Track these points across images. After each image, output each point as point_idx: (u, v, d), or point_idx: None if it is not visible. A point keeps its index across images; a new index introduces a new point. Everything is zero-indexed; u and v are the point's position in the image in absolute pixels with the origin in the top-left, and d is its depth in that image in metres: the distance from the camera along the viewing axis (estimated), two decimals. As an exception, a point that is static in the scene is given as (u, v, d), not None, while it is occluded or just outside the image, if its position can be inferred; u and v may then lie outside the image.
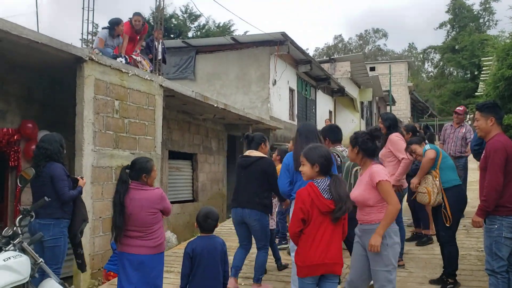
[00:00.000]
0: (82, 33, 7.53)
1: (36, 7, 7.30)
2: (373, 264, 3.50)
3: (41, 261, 3.47)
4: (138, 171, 3.80)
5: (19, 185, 4.28)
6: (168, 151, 9.85)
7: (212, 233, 3.61)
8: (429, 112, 42.83)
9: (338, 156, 4.67)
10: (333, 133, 4.97)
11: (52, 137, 4.42)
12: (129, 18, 8.28)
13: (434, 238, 6.04)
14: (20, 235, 3.40)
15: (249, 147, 5.07)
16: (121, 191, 3.72)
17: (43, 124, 6.73)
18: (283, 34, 13.74)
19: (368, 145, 3.59)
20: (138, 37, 8.43)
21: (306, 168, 3.33)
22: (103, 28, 7.96)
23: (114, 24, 7.77)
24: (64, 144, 4.46)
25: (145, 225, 3.72)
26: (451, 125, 7.66)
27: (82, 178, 4.65)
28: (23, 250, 3.35)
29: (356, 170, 4.44)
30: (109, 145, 6.43)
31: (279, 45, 14.07)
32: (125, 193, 3.72)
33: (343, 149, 4.85)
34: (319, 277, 3.24)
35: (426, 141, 5.42)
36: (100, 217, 6.19)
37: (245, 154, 5.04)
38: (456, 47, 36.45)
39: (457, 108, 7.64)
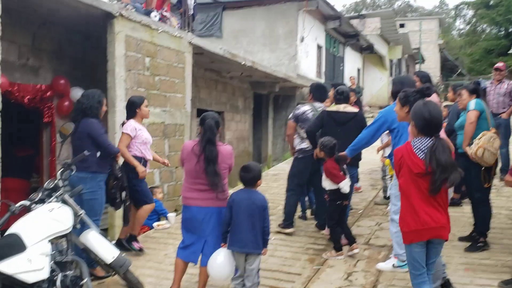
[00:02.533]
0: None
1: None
2: None
3: (82, 213, 3.59)
4: (217, 124, 3.72)
5: (59, 140, 4.35)
6: (196, 109, 9.90)
7: (254, 188, 3.64)
8: (459, 71, 41.57)
9: (312, 111, 5.31)
10: (317, 92, 5.60)
11: (91, 92, 4.40)
12: None
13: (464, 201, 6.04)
14: (62, 188, 3.51)
15: (340, 101, 5.17)
16: (207, 139, 3.60)
17: (75, 80, 6.81)
18: (312, -11, 13.35)
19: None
20: None
21: (410, 127, 3.15)
22: None
23: None
24: (103, 100, 4.44)
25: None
26: (491, 82, 7.42)
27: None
28: (64, 202, 3.47)
29: None
30: (140, 102, 6.47)
31: (307, 0, 13.70)
32: (208, 142, 3.62)
33: (320, 106, 5.39)
34: (425, 242, 3.00)
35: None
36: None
37: (337, 109, 5.09)
38: (491, 2, 34.76)
39: (498, 64, 7.35)
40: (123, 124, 4.82)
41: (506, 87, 7.08)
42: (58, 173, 3.65)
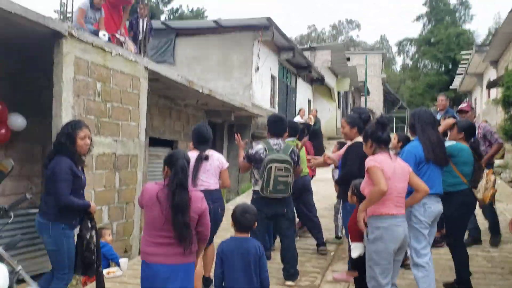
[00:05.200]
0: (60, 4, 6.78)
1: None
2: None
3: (20, 269, 2.92)
4: (188, 166, 3.26)
5: None
6: (149, 138, 9.28)
7: (248, 234, 3.24)
8: (400, 104, 43.25)
9: (265, 150, 4.77)
10: (273, 126, 5.00)
11: (65, 125, 3.87)
12: None
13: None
14: (-5, 239, 2.85)
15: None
16: (179, 183, 3.09)
17: (14, 106, 6.06)
18: (268, 19, 13.26)
19: (378, 135, 3.65)
20: (122, 9, 7.74)
21: None
22: None
23: None
24: (77, 133, 3.81)
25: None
26: None
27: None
28: (-2, 257, 2.80)
29: (270, 167, 4.61)
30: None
31: (263, 30, 13.56)
32: (179, 187, 3.10)
33: (276, 143, 4.86)
34: None
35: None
36: (79, 211, 5.59)
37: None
38: (432, 40, 36.77)
39: (461, 105, 7.22)
40: None
41: (481, 132, 6.19)
42: (-10, 221, 2.98)
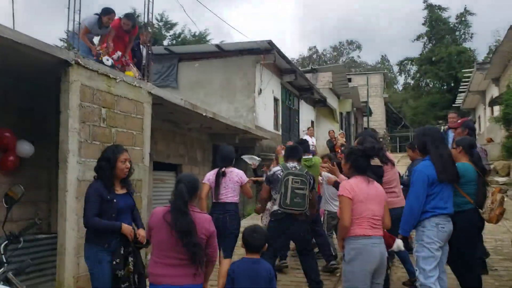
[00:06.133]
0: (67, 32, 6.95)
1: (12, 7, 6.69)
2: None
3: (29, 294, 2.96)
4: (192, 189, 3.28)
5: (5, 206, 3.73)
6: (153, 162, 9.34)
7: (259, 255, 3.27)
8: (403, 123, 43.33)
9: (282, 171, 5.19)
10: (290, 151, 5.58)
11: (104, 150, 4.09)
12: (120, 17, 7.77)
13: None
14: (5, 264, 2.89)
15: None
16: (176, 208, 3.17)
17: (22, 133, 6.17)
18: (270, 43, 13.46)
19: (359, 162, 3.88)
20: (128, 38, 7.93)
21: None
22: (94, 14, 7.44)
23: (104, 13, 7.27)
24: (119, 156, 3.96)
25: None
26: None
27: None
28: (8, 282, 2.84)
29: (288, 179, 5.03)
30: (95, 157, 5.79)
31: (265, 53, 13.75)
32: (177, 212, 3.17)
33: (292, 166, 5.29)
34: None
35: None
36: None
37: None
38: (433, 59, 36.98)
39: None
40: None
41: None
42: (2, 246, 3.03)
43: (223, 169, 5.54)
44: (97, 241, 3.75)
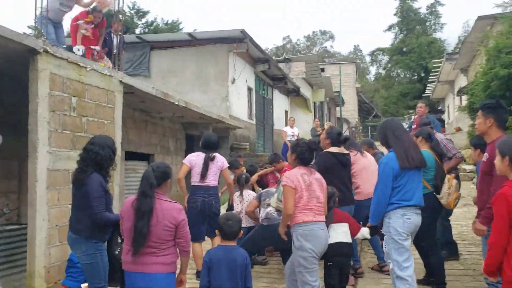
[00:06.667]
0: (35, 20, 6.82)
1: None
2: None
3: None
4: (161, 176, 3.30)
5: None
6: (125, 152, 9.26)
7: (235, 242, 3.32)
8: (374, 113, 44.01)
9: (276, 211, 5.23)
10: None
11: (104, 140, 3.90)
12: (87, 10, 7.66)
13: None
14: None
15: (339, 143, 5.24)
16: (141, 191, 3.21)
17: (-11, 122, 6.05)
18: (242, 31, 13.41)
19: (304, 155, 4.14)
20: (98, 31, 7.84)
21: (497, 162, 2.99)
22: None
23: None
24: (116, 150, 3.96)
25: (160, 240, 3.21)
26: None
27: None
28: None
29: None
30: (66, 146, 5.85)
31: (237, 42, 13.72)
32: (141, 195, 3.20)
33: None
34: None
35: None
36: (56, 225, 5.59)
37: (337, 151, 5.13)
38: (404, 49, 37.60)
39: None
40: None
41: None
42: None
43: (212, 154, 5.74)
44: (100, 236, 3.75)
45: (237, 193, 6.44)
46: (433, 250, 4.70)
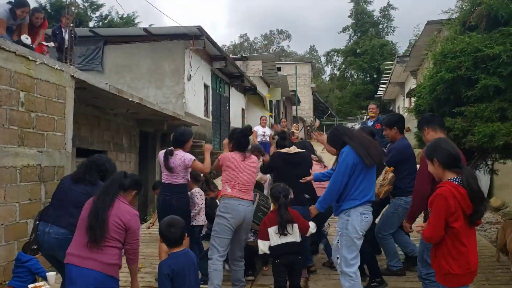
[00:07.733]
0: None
1: None
2: None
3: None
4: (130, 185, 3.51)
5: None
6: (76, 148, 9.02)
7: (182, 246, 3.24)
8: (329, 112, 44.90)
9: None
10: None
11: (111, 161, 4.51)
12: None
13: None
14: None
15: (284, 144, 5.49)
16: (113, 193, 3.29)
17: None
18: (199, 28, 13.35)
19: (240, 141, 4.78)
20: (39, 32, 7.58)
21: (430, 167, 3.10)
22: (7, 3, 6.99)
23: (17, 5, 6.85)
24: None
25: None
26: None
27: None
28: None
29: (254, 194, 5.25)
30: (13, 142, 5.64)
31: (194, 39, 13.64)
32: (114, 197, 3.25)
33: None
34: None
35: None
36: (2, 224, 5.39)
37: (288, 151, 5.37)
38: (358, 51, 38.57)
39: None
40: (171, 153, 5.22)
41: None
42: None
43: (170, 148, 5.33)
44: None
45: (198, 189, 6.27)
46: (370, 242, 4.87)
